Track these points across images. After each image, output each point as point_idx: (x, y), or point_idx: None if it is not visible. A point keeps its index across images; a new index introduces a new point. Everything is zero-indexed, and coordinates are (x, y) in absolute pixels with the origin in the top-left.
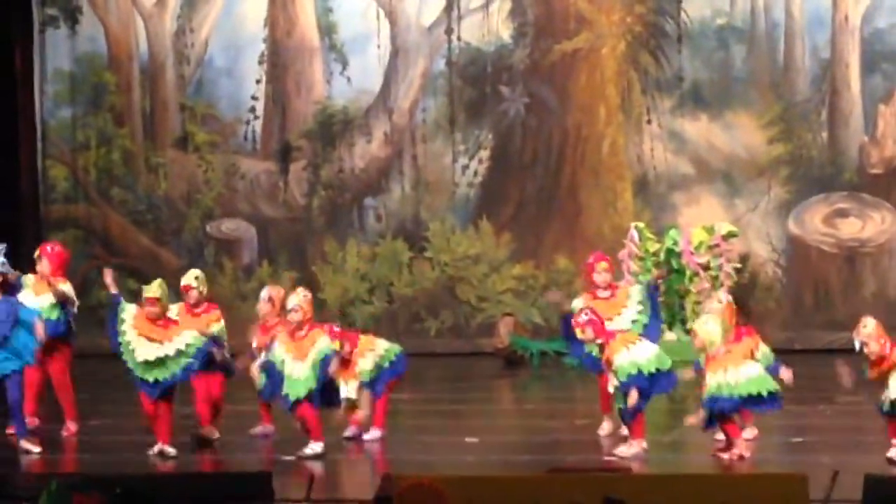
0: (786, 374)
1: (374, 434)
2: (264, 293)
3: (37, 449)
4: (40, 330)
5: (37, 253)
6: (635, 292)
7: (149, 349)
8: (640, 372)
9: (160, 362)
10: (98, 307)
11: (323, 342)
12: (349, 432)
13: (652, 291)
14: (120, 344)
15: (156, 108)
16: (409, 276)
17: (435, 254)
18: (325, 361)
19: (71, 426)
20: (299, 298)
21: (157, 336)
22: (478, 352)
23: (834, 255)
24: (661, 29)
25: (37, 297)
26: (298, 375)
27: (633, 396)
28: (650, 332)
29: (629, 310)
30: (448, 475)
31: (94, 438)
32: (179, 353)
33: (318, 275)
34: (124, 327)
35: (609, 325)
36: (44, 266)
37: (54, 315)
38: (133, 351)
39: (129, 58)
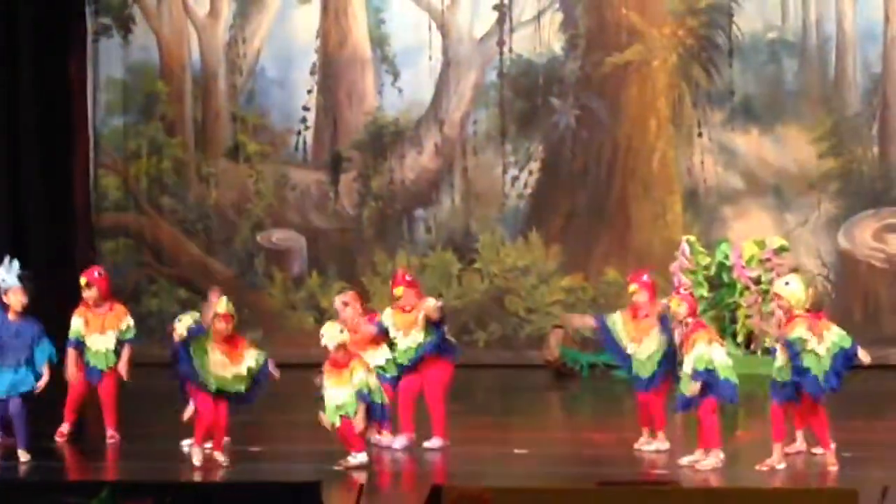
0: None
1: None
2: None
3: (25, 458)
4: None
5: (84, 281)
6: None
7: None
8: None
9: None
10: (147, 316)
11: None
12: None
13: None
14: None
15: (207, 117)
16: (458, 287)
17: (484, 265)
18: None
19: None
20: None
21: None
22: (527, 363)
23: (884, 270)
24: (712, 42)
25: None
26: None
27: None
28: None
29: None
30: (497, 486)
31: (144, 447)
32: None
33: (368, 286)
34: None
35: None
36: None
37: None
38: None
39: (182, 67)
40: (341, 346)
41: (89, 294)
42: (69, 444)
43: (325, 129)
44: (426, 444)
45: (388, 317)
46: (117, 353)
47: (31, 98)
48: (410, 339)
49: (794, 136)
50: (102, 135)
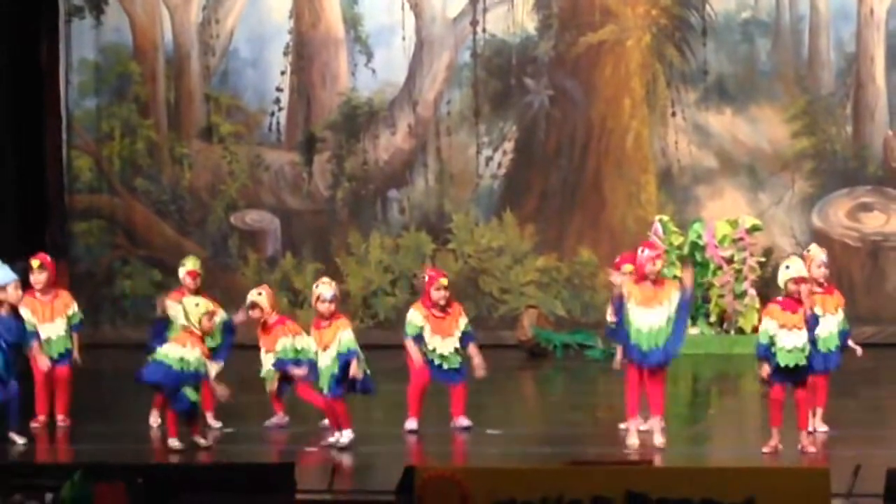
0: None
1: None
2: (330, 292)
3: (21, 441)
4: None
5: (37, 263)
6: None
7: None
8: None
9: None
10: (121, 298)
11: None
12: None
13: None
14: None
15: (181, 98)
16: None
17: (458, 246)
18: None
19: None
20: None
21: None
22: (500, 344)
23: (857, 249)
24: (686, 22)
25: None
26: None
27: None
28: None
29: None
30: (470, 467)
31: (116, 428)
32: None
33: (342, 266)
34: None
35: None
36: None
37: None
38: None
39: (155, 48)
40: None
41: (39, 278)
42: (42, 428)
43: (299, 110)
44: (458, 424)
45: (418, 318)
46: (70, 339)
47: (3, 80)
48: (449, 344)
49: (768, 115)
50: (75, 116)
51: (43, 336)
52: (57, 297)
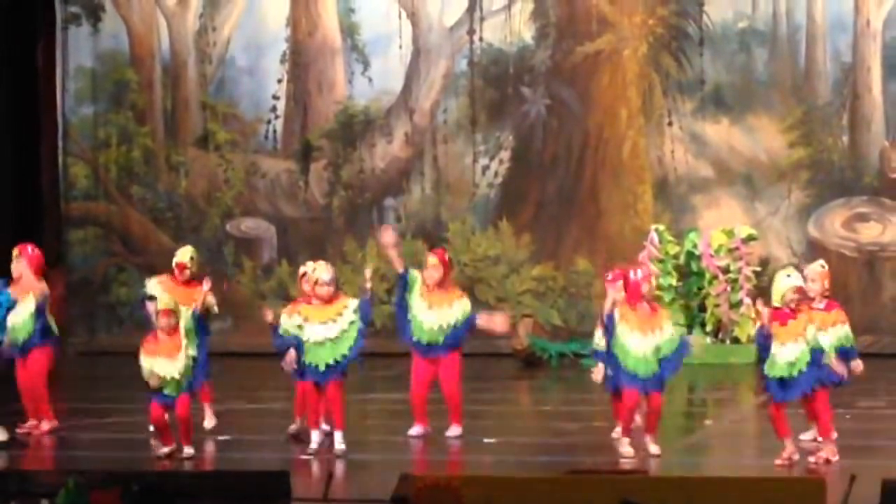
0: None
1: None
2: (329, 275)
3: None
4: None
5: (15, 252)
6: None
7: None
8: None
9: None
10: (117, 305)
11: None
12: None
13: None
14: None
15: (177, 106)
16: None
17: (454, 254)
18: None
19: (44, 425)
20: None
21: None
22: (496, 352)
23: (854, 259)
24: (682, 31)
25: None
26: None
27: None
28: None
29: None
30: (466, 475)
31: (112, 435)
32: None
33: (338, 274)
34: None
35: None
36: (22, 267)
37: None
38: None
39: (151, 56)
40: None
41: (14, 267)
42: (34, 434)
43: (295, 118)
44: (448, 434)
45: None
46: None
47: (0, 86)
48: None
49: (765, 125)
50: (72, 123)
51: (9, 324)
52: (21, 285)
